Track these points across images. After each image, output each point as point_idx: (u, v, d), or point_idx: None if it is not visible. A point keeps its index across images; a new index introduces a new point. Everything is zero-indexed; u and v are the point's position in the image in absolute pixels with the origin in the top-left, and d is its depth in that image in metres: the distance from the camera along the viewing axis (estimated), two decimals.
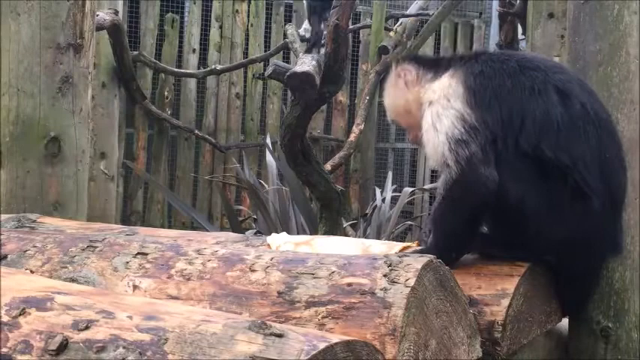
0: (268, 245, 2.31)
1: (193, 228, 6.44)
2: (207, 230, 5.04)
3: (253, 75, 8.43)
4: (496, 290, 2.01)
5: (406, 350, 1.66)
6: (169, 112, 8.12)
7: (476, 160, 2.01)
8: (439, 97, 2.11)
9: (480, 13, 9.33)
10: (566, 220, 2.07)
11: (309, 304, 1.75)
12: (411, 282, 1.70)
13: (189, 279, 1.92)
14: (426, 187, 7.46)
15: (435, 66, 2.22)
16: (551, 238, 2.09)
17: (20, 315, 1.58)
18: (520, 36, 5.69)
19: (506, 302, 1.98)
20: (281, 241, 2.32)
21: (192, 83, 8.28)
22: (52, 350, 1.48)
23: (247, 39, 8.50)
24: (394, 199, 6.04)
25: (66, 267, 2.10)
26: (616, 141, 2.19)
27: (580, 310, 2.35)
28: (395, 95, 2.28)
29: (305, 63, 3.80)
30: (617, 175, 2.15)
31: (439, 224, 2.12)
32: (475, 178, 2.02)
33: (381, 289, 1.70)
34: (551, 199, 2.06)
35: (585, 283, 2.26)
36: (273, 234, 2.44)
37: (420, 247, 2.17)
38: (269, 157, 6.06)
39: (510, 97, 2.07)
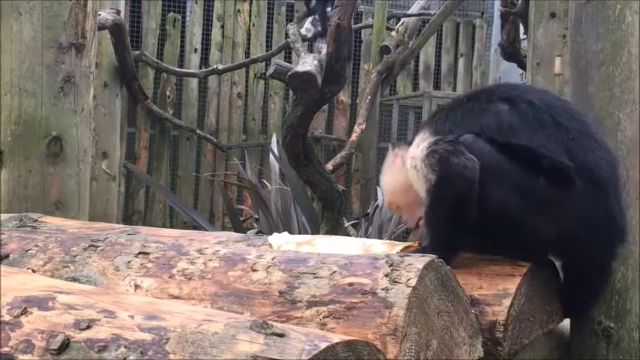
0: (270, 245, 2.30)
1: (195, 227, 6.44)
2: (208, 230, 5.04)
3: (255, 75, 8.44)
4: (498, 290, 2.01)
5: (407, 350, 1.66)
6: (171, 112, 8.13)
7: (446, 154, 2.09)
8: (413, 149, 2.25)
9: (482, 13, 9.34)
10: (554, 205, 2.08)
11: (311, 304, 1.75)
12: (413, 282, 1.70)
13: (190, 278, 1.92)
14: None
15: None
16: (545, 229, 2.09)
17: (22, 314, 1.58)
18: (522, 36, 5.68)
19: (507, 302, 1.98)
20: (282, 241, 2.31)
21: (193, 83, 8.29)
22: (54, 350, 1.48)
23: (249, 39, 8.50)
24: None
25: (67, 266, 2.10)
26: (579, 120, 2.21)
27: (586, 310, 2.34)
28: (392, 174, 2.38)
29: (306, 62, 3.79)
30: (591, 151, 2.15)
31: (430, 224, 2.16)
32: (450, 172, 2.08)
33: (383, 289, 1.70)
34: (530, 186, 2.09)
35: (590, 279, 2.22)
36: (275, 233, 2.44)
37: (419, 247, 2.18)
38: (272, 157, 6.06)
39: (465, 123, 2.20)
